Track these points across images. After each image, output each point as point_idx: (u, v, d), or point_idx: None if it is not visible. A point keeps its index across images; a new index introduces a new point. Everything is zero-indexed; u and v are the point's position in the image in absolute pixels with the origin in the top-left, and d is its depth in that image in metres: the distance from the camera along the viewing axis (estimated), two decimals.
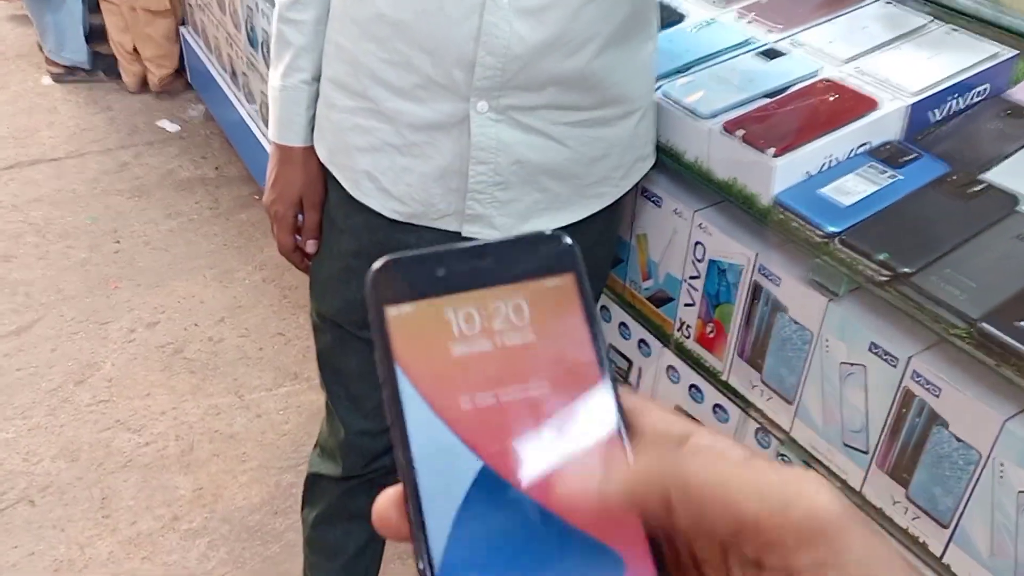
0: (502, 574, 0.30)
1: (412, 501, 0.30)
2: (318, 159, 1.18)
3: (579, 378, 0.33)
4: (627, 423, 0.32)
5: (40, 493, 1.97)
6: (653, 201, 1.24)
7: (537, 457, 0.31)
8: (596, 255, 1.28)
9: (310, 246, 1.24)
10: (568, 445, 0.32)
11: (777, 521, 0.27)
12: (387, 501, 0.31)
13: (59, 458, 2.05)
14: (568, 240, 0.34)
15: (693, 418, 1.20)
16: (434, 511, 0.30)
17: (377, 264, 0.33)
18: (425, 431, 0.31)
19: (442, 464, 0.31)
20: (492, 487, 0.31)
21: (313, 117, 1.17)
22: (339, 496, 1.37)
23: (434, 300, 0.33)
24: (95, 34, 3.40)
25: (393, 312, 0.33)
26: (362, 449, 1.32)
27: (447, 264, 0.34)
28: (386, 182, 1.11)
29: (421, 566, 0.30)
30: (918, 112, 1.14)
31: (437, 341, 0.32)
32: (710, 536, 0.29)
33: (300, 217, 1.23)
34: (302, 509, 1.46)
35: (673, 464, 0.29)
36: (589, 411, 0.32)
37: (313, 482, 1.41)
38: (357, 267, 1.18)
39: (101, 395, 2.20)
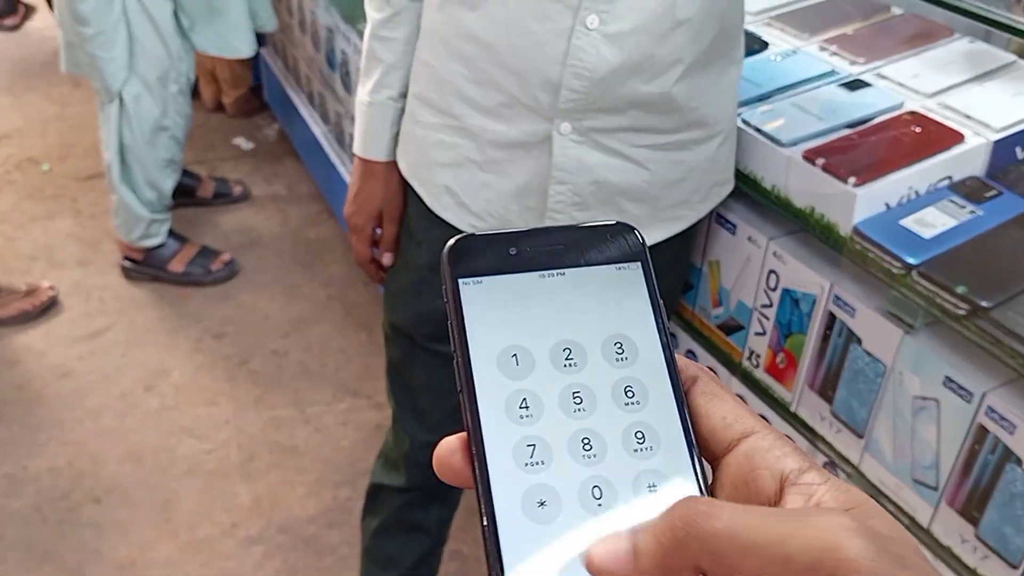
0: (558, 528, 0.31)
1: (477, 451, 0.32)
2: (400, 174, 1.21)
3: (642, 366, 0.34)
4: (690, 410, 0.34)
5: (106, 494, 2.01)
6: (727, 228, 1.25)
7: (595, 430, 0.33)
8: (667, 279, 1.29)
9: (387, 258, 1.27)
10: (624, 422, 0.33)
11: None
12: (451, 447, 0.33)
13: (125, 461, 2.10)
14: (637, 231, 0.36)
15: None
16: (497, 466, 0.32)
17: (453, 240, 0.35)
18: (492, 394, 0.33)
19: (506, 429, 0.33)
20: (549, 454, 0.32)
21: (398, 133, 1.20)
22: (400, 507, 1.38)
23: (505, 277, 0.35)
24: None
25: (466, 284, 0.34)
26: (425, 461, 1.33)
27: (520, 244, 0.35)
28: (465, 197, 1.13)
29: (482, 512, 0.31)
30: (1001, 149, 1.13)
31: (506, 315, 0.34)
32: None
33: (378, 230, 1.27)
34: (362, 518, 1.48)
35: (700, 533, 0.28)
36: (647, 393, 0.34)
37: (375, 492, 1.43)
38: (431, 280, 1.20)
39: (168, 402, 2.26)
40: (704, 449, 0.33)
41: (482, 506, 0.31)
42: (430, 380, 1.28)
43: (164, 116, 2.46)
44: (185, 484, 2.04)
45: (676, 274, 1.30)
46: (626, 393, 0.34)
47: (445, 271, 0.35)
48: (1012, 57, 1.27)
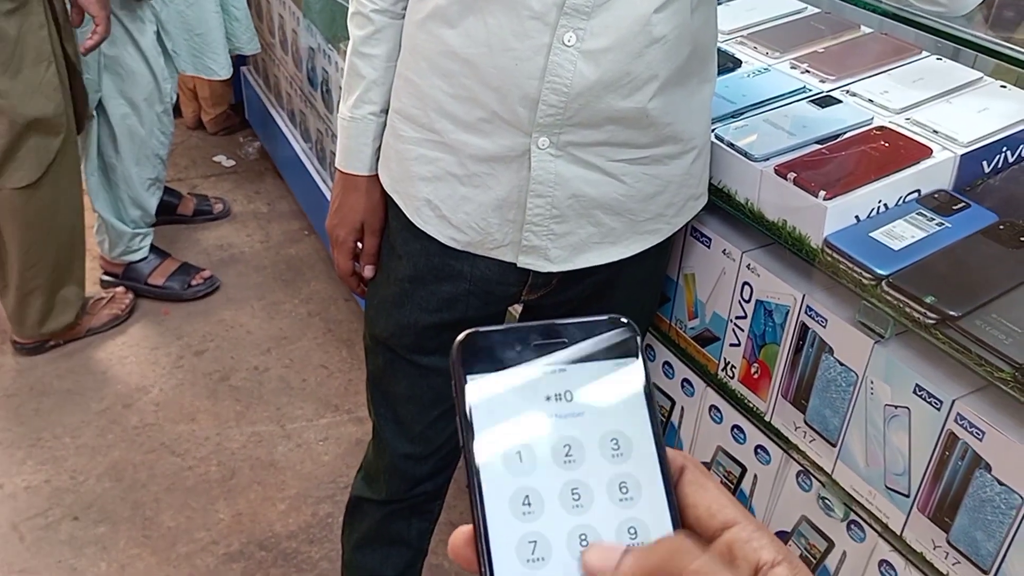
0: None
1: (483, 547, 0.35)
2: (381, 188, 1.23)
3: (636, 461, 0.37)
4: (681, 497, 0.36)
5: (84, 511, 2.01)
6: (702, 241, 1.27)
7: (592, 525, 0.35)
8: (644, 292, 1.31)
9: (368, 271, 1.28)
10: (619, 518, 0.36)
11: None
12: (465, 538, 0.35)
13: (105, 477, 2.09)
14: (634, 326, 0.38)
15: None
16: (501, 562, 0.34)
17: (463, 335, 0.37)
18: (497, 490, 0.35)
19: (511, 525, 0.35)
20: (548, 550, 0.35)
21: (379, 148, 1.22)
22: (380, 520, 1.39)
23: (511, 372, 0.37)
24: None
25: (473, 380, 0.37)
26: (405, 473, 1.35)
27: (525, 339, 0.38)
28: (445, 210, 1.15)
29: None
30: (969, 163, 1.16)
31: (511, 410, 0.37)
32: None
33: (359, 244, 1.28)
34: (342, 532, 1.48)
35: (677, 567, 0.32)
36: (640, 488, 0.36)
37: (355, 505, 1.43)
38: (411, 291, 1.21)
39: (148, 418, 2.25)
40: None
41: None
42: (411, 391, 1.29)
43: (150, 136, 2.48)
44: (165, 501, 2.03)
45: (653, 287, 1.32)
46: (620, 489, 0.36)
47: (455, 366, 0.37)
48: (978, 74, 1.30)
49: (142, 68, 2.40)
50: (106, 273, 2.66)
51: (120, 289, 2.59)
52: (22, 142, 2.12)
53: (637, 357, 0.38)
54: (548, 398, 0.37)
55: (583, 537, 0.35)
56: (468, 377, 0.36)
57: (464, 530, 0.35)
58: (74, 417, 2.25)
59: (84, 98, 2.28)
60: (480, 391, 0.36)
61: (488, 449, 0.36)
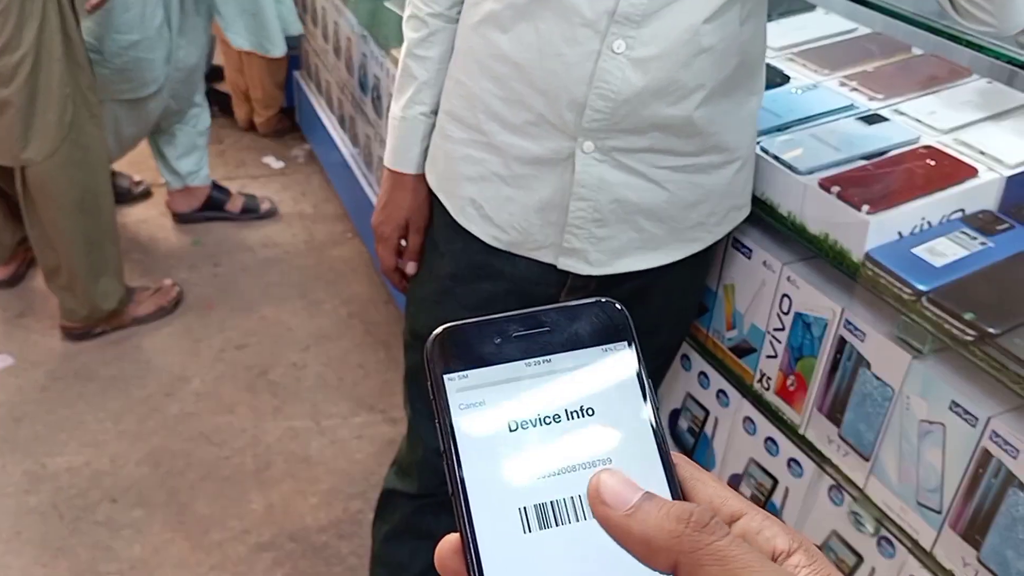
0: None
1: (471, 559, 0.32)
2: (427, 187, 1.25)
3: (634, 446, 0.34)
4: (682, 492, 0.34)
5: (122, 494, 2.05)
6: (743, 252, 1.28)
7: (591, 521, 0.32)
8: (682, 301, 1.32)
9: (410, 267, 1.31)
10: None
11: None
12: (448, 549, 0.32)
13: (143, 463, 2.13)
14: (622, 308, 0.35)
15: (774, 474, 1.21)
16: (492, 564, 0.31)
17: (438, 330, 0.34)
18: (482, 489, 0.32)
19: (499, 522, 0.32)
20: (546, 546, 0.32)
21: (427, 148, 1.25)
22: (411, 513, 1.41)
23: (491, 369, 0.34)
24: (214, 72, 3.60)
25: (451, 380, 0.34)
26: (438, 467, 1.36)
27: (505, 331, 0.34)
28: (489, 210, 1.17)
29: None
30: (1015, 184, 1.16)
31: (494, 409, 0.33)
32: None
33: (403, 241, 1.31)
34: (373, 524, 1.50)
35: (689, 543, 0.30)
36: (643, 478, 0.33)
37: (387, 498, 1.45)
38: (452, 289, 1.24)
39: (188, 408, 2.30)
40: None
41: None
42: None
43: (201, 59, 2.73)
44: (200, 489, 2.07)
45: (691, 296, 1.33)
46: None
47: (429, 366, 0.34)
48: None
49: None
50: (196, 210, 2.94)
51: (168, 281, 2.65)
52: (36, 115, 2.18)
53: (628, 341, 0.35)
54: (534, 391, 0.34)
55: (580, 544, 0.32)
56: (446, 378, 0.33)
57: (451, 539, 0.32)
58: (117, 403, 2.30)
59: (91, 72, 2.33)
60: (459, 390, 0.33)
61: (472, 452, 0.33)
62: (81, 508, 2.01)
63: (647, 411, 0.34)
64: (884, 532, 1.14)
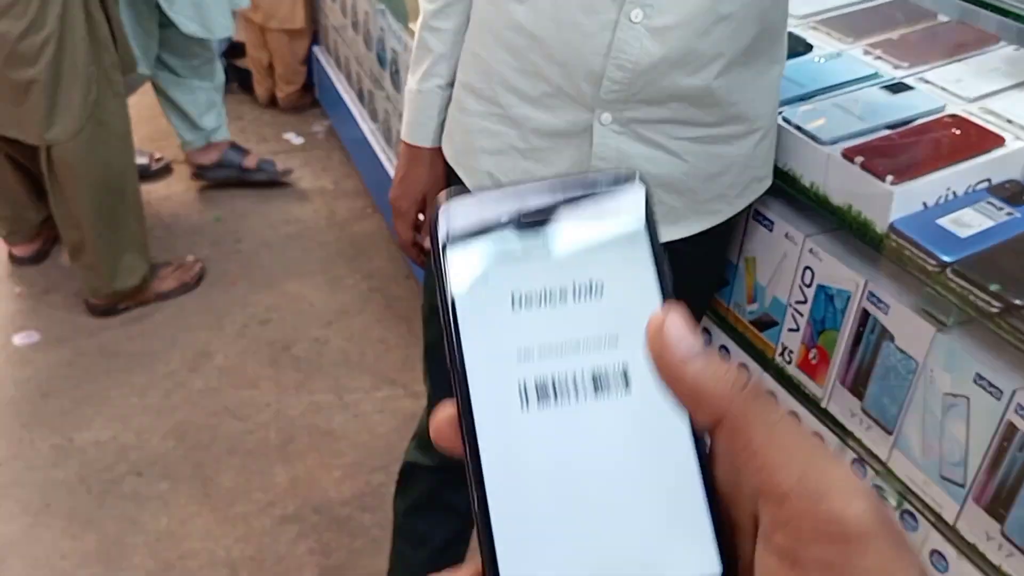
0: (551, 505, 0.30)
1: (466, 422, 0.31)
2: (444, 160, 1.24)
3: (644, 324, 0.31)
4: None
5: (148, 468, 2.08)
6: (764, 225, 1.27)
7: (594, 402, 0.31)
8: (703, 274, 1.31)
9: (428, 241, 1.30)
10: (628, 394, 0.31)
11: (803, 506, 0.26)
12: (444, 418, 0.32)
13: (168, 437, 2.16)
14: (638, 178, 0.33)
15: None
16: (488, 439, 0.31)
17: (442, 199, 0.33)
18: (480, 361, 0.31)
19: (497, 396, 0.31)
20: (544, 426, 0.31)
21: (444, 121, 1.24)
22: (432, 486, 1.41)
23: (495, 236, 0.32)
24: (234, 49, 3.60)
25: (454, 249, 0.32)
26: None
27: (512, 201, 0.32)
28: (506, 183, 1.16)
29: (470, 487, 0.30)
30: None
31: (497, 280, 0.32)
32: (742, 493, 0.30)
33: (420, 215, 1.30)
34: (395, 498, 1.51)
35: (742, 402, 0.29)
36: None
37: (408, 471, 1.46)
38: None
39: (212, 383, 2.32)
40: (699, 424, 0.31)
41: (473, 489, 0.30)
42: None
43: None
44: (225, 462, 2.09)
45: (712, 270, 1.32)
46: (626, 377, 0.31)
47: (433, 234, 0.32)
48: None
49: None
50: (213, 165, 2.96)
51: (190, 257, 2.66)
52: (61, 95, 2.19)
53: (646, 218, 0.32)
54: (538, 264, 0.32)
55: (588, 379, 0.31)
56: (448, 247, 0.32)
57: (449, 408, 0.31)
58: (142, 378, 2.32)
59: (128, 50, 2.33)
60: (461, 261, 0.32)
61: (473, 334, 0.31)
62: (108, 481, 2.04)
63: (660, 285, 0.32)
64: (907, 506, 1.13)
